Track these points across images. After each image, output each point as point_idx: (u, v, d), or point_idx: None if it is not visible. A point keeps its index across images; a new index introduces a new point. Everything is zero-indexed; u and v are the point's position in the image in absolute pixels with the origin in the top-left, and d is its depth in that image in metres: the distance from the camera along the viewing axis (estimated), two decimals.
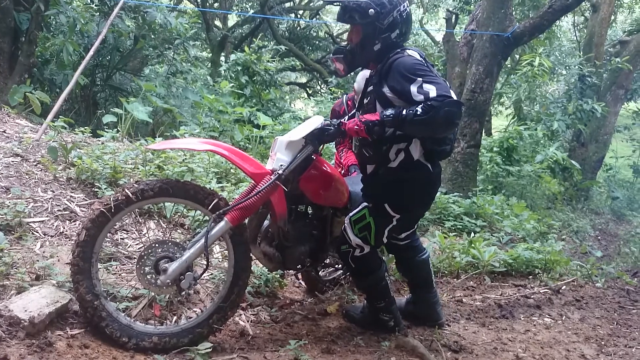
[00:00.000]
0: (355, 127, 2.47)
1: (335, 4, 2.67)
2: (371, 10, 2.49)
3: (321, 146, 2.67)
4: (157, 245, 2.38)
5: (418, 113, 2.29)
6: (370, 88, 2.65)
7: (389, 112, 2.40)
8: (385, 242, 2.80)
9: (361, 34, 2.58)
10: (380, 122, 2.41)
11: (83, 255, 2.27)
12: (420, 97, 2.32)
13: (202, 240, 2.34)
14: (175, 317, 2.66)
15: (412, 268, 3.11)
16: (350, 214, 2.74)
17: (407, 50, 2.53)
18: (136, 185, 2.36)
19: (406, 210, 2.69)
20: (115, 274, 2.85)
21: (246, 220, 2.58)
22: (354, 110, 2.97)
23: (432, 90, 2.30)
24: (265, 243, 2.74)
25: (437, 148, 2.62)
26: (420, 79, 2.35)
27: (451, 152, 2.75)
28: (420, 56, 2.53)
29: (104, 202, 2.32)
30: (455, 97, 2.33)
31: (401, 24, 2.56)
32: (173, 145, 2.66)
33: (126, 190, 2.33)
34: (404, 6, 2.56)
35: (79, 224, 3.20)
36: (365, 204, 2.71)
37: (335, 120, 2.65)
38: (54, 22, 7.59)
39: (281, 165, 2.50)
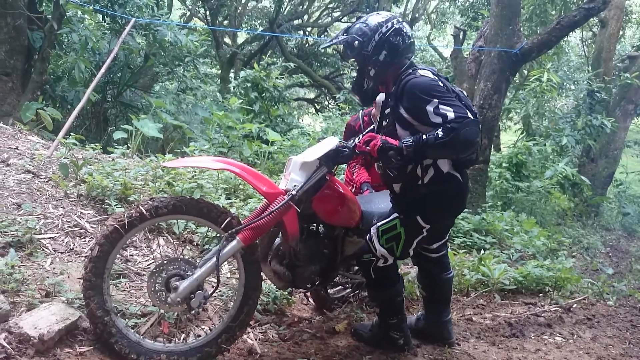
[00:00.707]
0: (369, 148, 2.48)
1: (333, 45, 2.89)
2: (355, 42, 2.59)
3: (335, 167, 2.68)
4: (168, 262, 2.38)
5: (439, 136, 2.32)
6: (388, 111, 2.69)
7: (409, 139, 2.43)
8: (411, 254, 2.79)
9: (358, 65, 2.70)
10: (398, 149, 2.43)
11: (95, 270, 2.29)
12: (439, 120, 2.35)
13: (214, 259, 2.35)
14: (183, 335, 2.66)
15: (436, 284, 3.08)
16: (379, 224, 2.73)
17: (419, 70, 2.54)
18: (150, 202, 2.38)
19: (436, 221, 2.68)
20: (124, 290, 2.86)
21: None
22: (371, 127, 2.98)
23: (449, 112, 2.34)
24: (276, 261, 2.73)
25: (464, 158, 2.61)
26: (436, 100, 2.38)
27: (477, 160, 2.74)
28: (433, 73, 2.55)
29: (117, 219, 2.34)
30: (471, 116, 2.35)
31: (387, 44, 2.58)
32: (187, 164, 2.68)
33: (140, 207, 2.35)
34: (386, 27, 2.59)
35: (89, 240, 3.22)
36: (396, 214, 2.70)
37: (351, 141, 2.68)
38: (66, 40, 7.72)
39: (295, 186, 2.51)
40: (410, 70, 2.56)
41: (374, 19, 2.62)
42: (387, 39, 2.58)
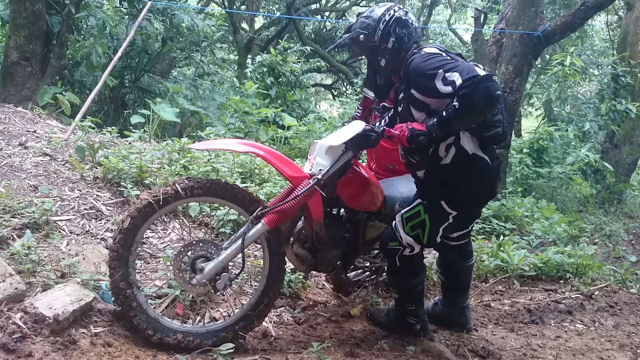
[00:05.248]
0: (398, 132, 2.44)
1: (340, 47, 2.82)
2: (361, 36, 2.60)
3: (360, 151, 2.64)
4: (195, 244, 2.38)
5: (457, 108, 2.26)
6: (401, 96, 2.64)
7: (433, 120, 2.38)
8: (438, 242, 2.71)
9: (368, 59, 2.70)
10: (428, 133, 2.39)
11: (124, 242, 2.29)
12: (448, 89, 2.27)
13: (239, 242, 2.34)
14: (199, 317, 2.65)
15: (455, 271, 3.01)
16: (402, 211, 2.66)
17: (424, 49, 2.49)
18: (187, 182, 2.38)
19: (463, 207, 2.58)
20: (139, 272, 2.86)
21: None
22: (388, 114, 2.91)
23: (456, 77, 2.25)
24: (298, 245, 2.73)
25: (486, 133, 2.49)
26: (440, 70, 2.31)
27: (505, 136, 2.58)
28: (439, 49, 2.48)
29: (152, 194, 2.34)
30: (482, 72, 2.25)
31: (393, 31, 2.56)
32: (213, 146, 2.68)
33: (176, 185, 2.36)
34: (389, 14, 2.58)
35: (105, 222, 3.23)
36: (419, 200, 2.63)
37: (378, 125, 2.62)
38: (84, 25, 7.74)
39: (320, 170, 2.49)
40: (415, 50, 2.51)
41: (375, 11, 2.62)
42: (392, 25, 2.57)
